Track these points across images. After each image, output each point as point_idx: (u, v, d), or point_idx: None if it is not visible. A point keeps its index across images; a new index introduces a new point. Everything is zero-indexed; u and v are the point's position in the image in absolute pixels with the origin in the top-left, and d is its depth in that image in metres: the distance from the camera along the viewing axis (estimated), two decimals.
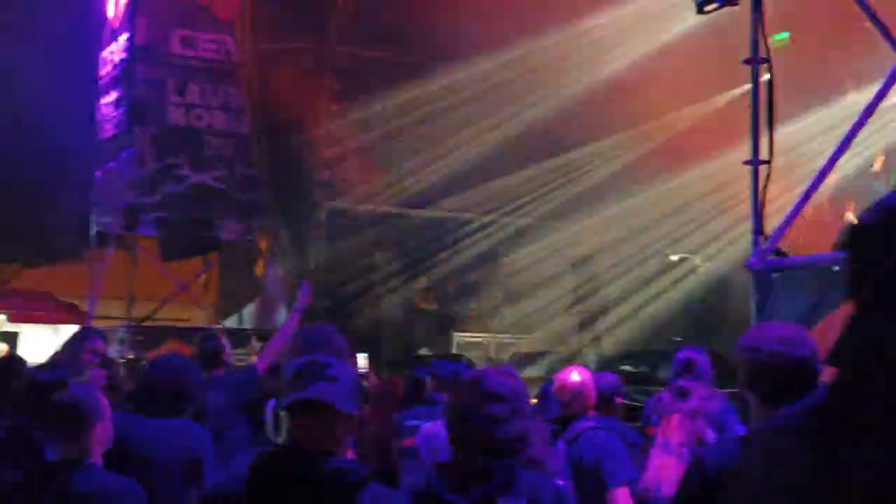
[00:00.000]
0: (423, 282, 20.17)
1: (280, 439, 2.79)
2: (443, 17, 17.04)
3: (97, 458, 3.93)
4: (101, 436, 3.95)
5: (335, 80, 19.78)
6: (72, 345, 6.32)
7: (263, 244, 20.74)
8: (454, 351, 17.20)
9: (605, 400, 5.95)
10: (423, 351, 18.37)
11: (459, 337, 18.75)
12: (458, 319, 19.94)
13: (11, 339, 19.50)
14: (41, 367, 5.95)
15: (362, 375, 9.49)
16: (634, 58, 17.73)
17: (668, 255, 19.09)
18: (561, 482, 3.37)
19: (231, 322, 20.82)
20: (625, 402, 6.78)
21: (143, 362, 11.86)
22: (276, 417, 2.80)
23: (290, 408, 2.75)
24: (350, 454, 3.06)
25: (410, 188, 19.69)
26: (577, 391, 5.48)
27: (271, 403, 3.89)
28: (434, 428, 5.51)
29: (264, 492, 2.69)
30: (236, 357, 9.69)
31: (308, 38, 19.16)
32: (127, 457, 4.26)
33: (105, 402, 4.07)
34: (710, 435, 5.26)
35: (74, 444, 3.88)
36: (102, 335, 6.91)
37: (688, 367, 6.05)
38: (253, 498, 2.68)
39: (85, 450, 3.89)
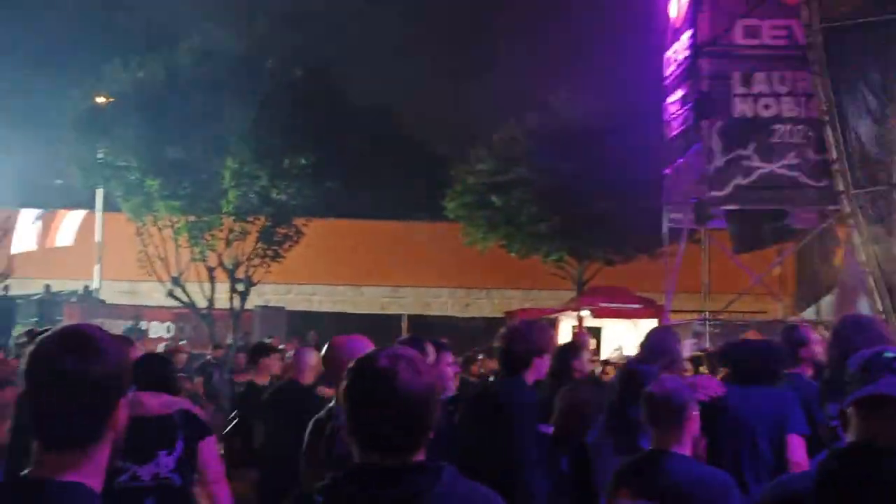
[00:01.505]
0: None
1: (849, 437, 2.63)
2: None
3: (688, 450, 4.05)
4: (694, 427, 4.07)
5: None
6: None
7: (841, 232, 19.77)
8: None
9: None
10: None
11: None
12: None
13: (595, 333, 20.76)
14: (638, 358, 6.20)
15: None
16: None
17: None
18: None
19: (808, 314, 20.15)
20: None
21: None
22: (844, 414, 2.64)
23: (859, 403, 2.59)
24: None
25: None
26: None
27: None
28: None
29: (835, 491, 2.55)
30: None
31: (881, 10, 17.92)
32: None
33: (692, 396, 4.19)
34: None
35: (669, 435, 4.03)
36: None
37: None
38: (823, 497, 2.56)
39: (678, 440, 4.02)
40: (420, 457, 2.38)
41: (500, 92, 26.43)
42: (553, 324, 21.31)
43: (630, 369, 6.09)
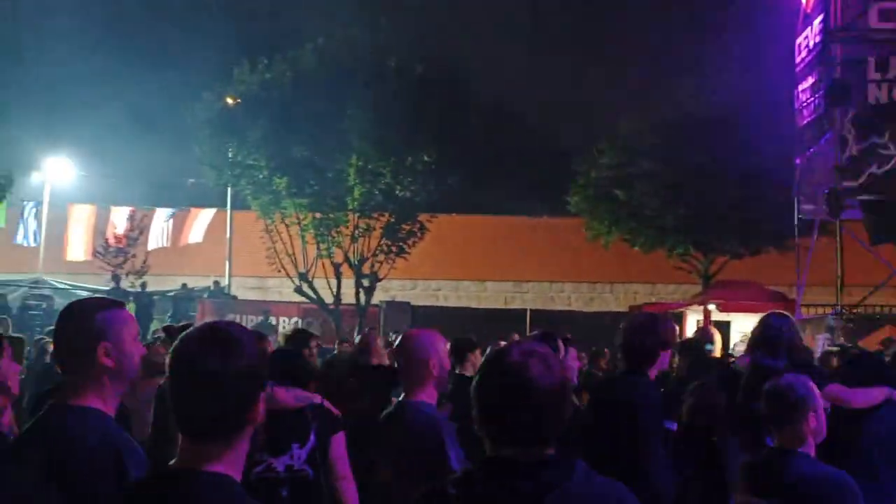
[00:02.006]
0: None
1: None
2: None
3: (811, 448, 3.96)
4: (816, 425, 3.97)
5: None
6: None
7: None
8: None
9: None
10: None
11: None
12: None
13: (723, 328, 20.33)
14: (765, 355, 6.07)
15: None
16: None
17: None
18: None
19: None
20: None
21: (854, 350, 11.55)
22: None
23: None
24: None
25: None
26: None
27: None
28: None
29: None
30: None
31: None
32: None
33: (817, 392, 4.09)
34: None
35: (788, 432, 3.95)
36: None
37: None
38: None
39: (799, 438, 3.94)
40: (551, 451, 2.40)
41: (624, 84, 26.12)
42: (679, 318, 20.98)
43: (756, 365, 5.98)
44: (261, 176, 24.44)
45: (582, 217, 27.03)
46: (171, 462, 2.29)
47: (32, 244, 29.70)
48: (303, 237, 24.93)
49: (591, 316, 26.32)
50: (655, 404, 5.13)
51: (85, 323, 3.01)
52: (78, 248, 29.83)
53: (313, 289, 24.94)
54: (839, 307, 19.05)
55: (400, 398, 4.56)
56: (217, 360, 2.25)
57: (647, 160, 24.71)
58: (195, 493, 2.21)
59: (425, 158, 24.14)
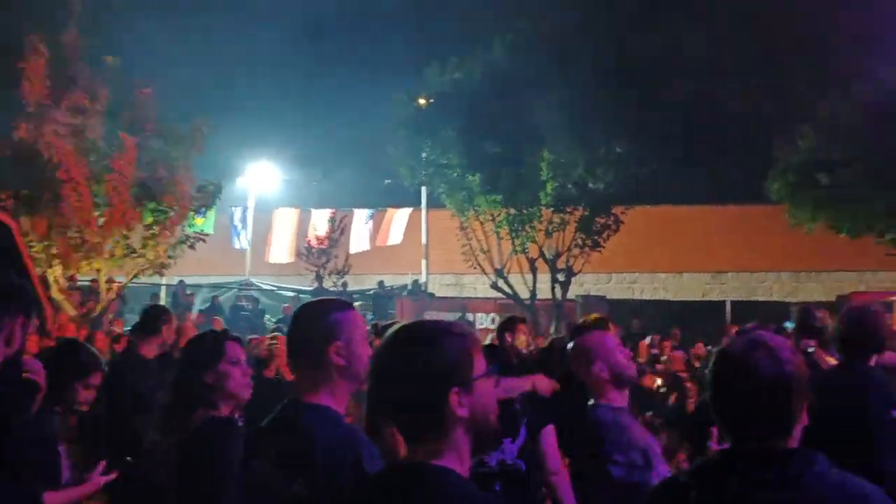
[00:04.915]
0: None
1: None
2: None
3: None
4: None
5: None
6: None
7: None
8: None
9: None
10: None
11: None
12: None
13: None
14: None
15: None
16: None
17: None
18: None
19: None
20: None
21: None
22: None
23: None
24: None
25: None
26: None
27: None
28: None
29: None
30: None
31: None
32: None
33: None
34: None
35: None
36: None
37: None
38: None
39: None
40: (792, 443, 2.38)
41: (824, 65, 25.00)
42: (890, 307, 19.96)
43: None
44: (454, 174, 24.79)
45: (783, 203, 26.08)
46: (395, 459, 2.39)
47: (245, 247, 31.11)
48: (497, 233, 25.15)
49: (796, 306, 25.34)
50: (887, 392, 4.96)
51: (318, 323, 3.17)
52: (281, 250, 31.00)
53: (509, 284, 25.11)
54: None
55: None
56: (408, 359, 2.34)
57: (850, 143, 23.60)
58: (430, 484, 2.29)
59: (618, 150, 23.90)
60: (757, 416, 2.39)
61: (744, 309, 24.68)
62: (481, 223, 25.21)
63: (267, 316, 24.54)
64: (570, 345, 4.62)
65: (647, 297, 30.62)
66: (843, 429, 4.68)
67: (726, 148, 29.62)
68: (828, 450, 3.51)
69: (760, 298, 29.81)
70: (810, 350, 6.10)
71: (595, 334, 4.58)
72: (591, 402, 4.29)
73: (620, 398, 4.31)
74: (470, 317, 25.53)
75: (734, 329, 13.25)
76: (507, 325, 8.29)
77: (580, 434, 4.33)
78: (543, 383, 5.74)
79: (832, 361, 5.69)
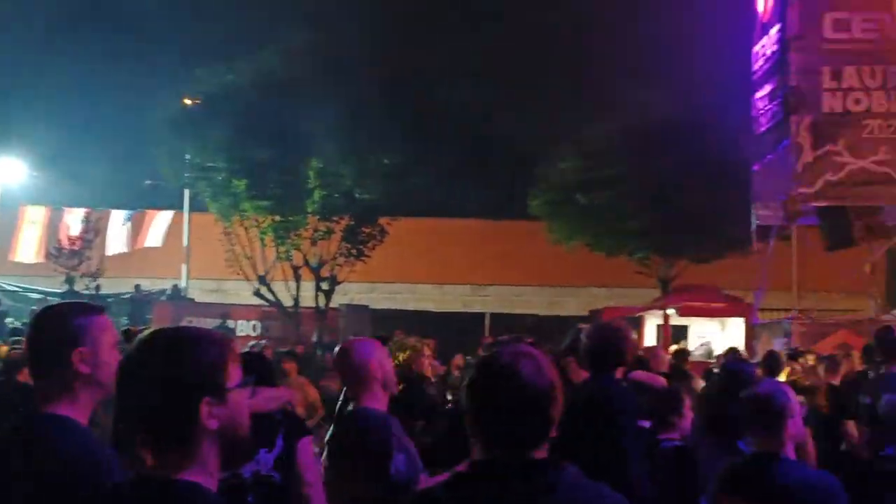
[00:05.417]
0: None
1: None
2: None
3: (791, 453, 4.00)
4: (795, 430, 4.02)
5: None
6: None
7: None
8: None
9: None
10: None
11: None
12: None
13: (681, 332, 20.54)
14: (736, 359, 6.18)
15: None
16: None
17: None
18: None
19: None
20: None
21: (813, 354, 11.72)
22: None
23: None
24: None
25: None
26: None
27: None
28: None
29: None
30: None
31: None
32: None
33: (795, 397, 4.16)
34: None
35: (771, 438, 3.99)
36: None
37: None
38: None
39: (781, 443, 3.98)
40: (543, 454, 2.42)
41: (587, 90, 26.25)
42: (638, 322, 21.14)
43: (730, 369, 6.06)
44: (220, 178, 24.28)
45: (544, 221, 27.15)
46: (138, 471, 2.26)
47: None
48: (262, 240, 24.81)
49: (551, 320, 26.41)
50: (631, 404, 5.19)
51: (60, 327, 2.95)
52: (29, 249, 29.41)
53: (272, 292, 24.83)
54: (795, 312, 19.32)
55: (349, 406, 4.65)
56: (156, 367, 2.22)
57: (609, 165, 24.89)
58: (174, 499, 2.18)
59: (386, 161, 24.12)
60: (517, 426, 2.41)
61: (503, 321, 25.44)
62: (246, 229, 24.80)
63: (9, 319, 23.07)
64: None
65: (410, 307, 31.03)
66: (592, 439, 4.87)
67: (493, 164, 30.51)
68: (578, 459, 3.64)
69: (519, 311, 30.84)
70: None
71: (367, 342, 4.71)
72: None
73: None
74: (231, 324, 25.05)
75: (488, 340, 13.60)
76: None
77: None
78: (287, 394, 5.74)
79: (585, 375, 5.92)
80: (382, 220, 25.33)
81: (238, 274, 24.99)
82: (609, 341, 5.41)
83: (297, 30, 24.93)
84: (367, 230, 25.23)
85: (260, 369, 5.73)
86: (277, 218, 24.38)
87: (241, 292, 27.27)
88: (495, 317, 27.36)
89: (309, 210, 24.31)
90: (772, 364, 8.72)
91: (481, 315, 27.90)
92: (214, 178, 24.41)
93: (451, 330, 23.34)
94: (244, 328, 25.43)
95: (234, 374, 2.31)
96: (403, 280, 32.34)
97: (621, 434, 5.02)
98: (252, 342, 19.51)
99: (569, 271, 30.56)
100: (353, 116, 22.48)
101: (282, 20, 25.86)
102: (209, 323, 24.25)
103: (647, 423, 5.79)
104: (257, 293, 24.85)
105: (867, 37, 18.82)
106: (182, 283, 30.13)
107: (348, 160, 23.62)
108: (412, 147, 23.82)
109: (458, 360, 15.67)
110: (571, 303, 31.16)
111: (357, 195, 24.42)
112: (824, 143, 18.77)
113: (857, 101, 18.84)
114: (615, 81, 24.88)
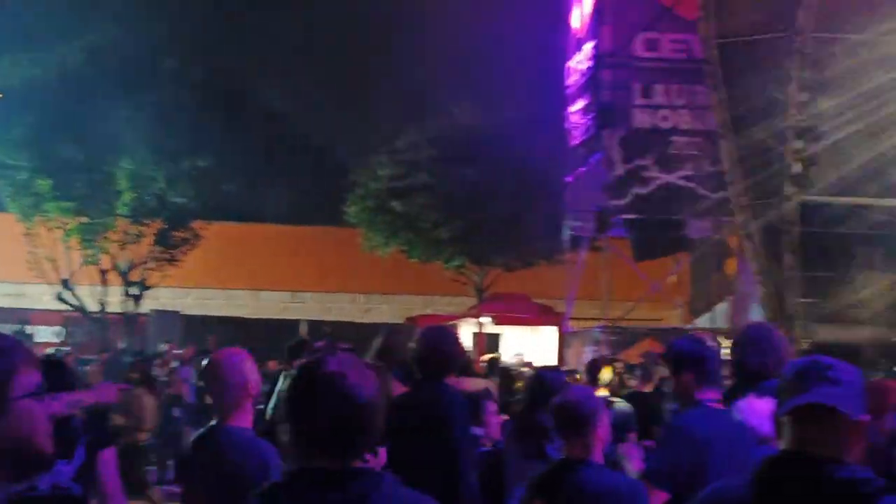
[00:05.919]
0: None
1: (782, 444, 2.64)
2: None
3: (599, 457, 4.04)
4: (603, 435, 4.06)
5: (803, 69, 18.84)
6: None
7: (734, 242, 20.29)
8: None
9: None
10: None
11: None
12: None
13: (495, 340, 20.84)
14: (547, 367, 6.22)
15: None
16: None
17: None
18: None
19: (703, 322, 20.60)
20: None
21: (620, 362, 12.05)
22: (778, 422, 2.64)
23: (792, 412, 2.59)
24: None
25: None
26: None
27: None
28: None
29: (769, 497, 2.56)
30: None
31: (773, 27, 18.46)
32: None
33: (602, 403, 4.20)
34: None
35: (579, 444, 4.02)
36: None
37: None
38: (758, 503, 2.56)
39: (588, 448, 4.01)
40: (359, 462, 2.34)
41: (402, 98, 26.41)
42: (454, 329, 21.31)
43: (539, 376, 6.10)
44: (21, 177, 23.07)
45: (359, 228, 27.06)
46: None
47: None
48: (66, 242, 23.71)
49: (366, 327, 26.31)
50: (463, 411, 5.13)
51: None
52: None
53: (76, 296, 23.77)
54: (605, 321, 19.91)
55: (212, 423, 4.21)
56: None
57: (423, 173, 25.05)
58: None
59: (201, 164, 23.51)
60: (340, 436, 2.32)
61: (319, 328, 25.18)
62: (49, 230, 23.62)
63: None
64: None
65: (223, 313, 30.30)
66: (423, 446, 4.79)
67: (309, 170, 30.25)
68: (409, 466, 3.55)
69: (335, 318, 30.61)
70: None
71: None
72: None
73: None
74: (30, 329, 23.82)
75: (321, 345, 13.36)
76: None
77: None
78: (109, 392, 5.39)
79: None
80: (196, 224, 24.67)
81: (40, 277, 23.79)
82: (439, 346, 5.31)
83: (105, 26, 23.96)
84: (180, 234, 24.52)
85: (59, 375, 5.41)
86: (84, 220, 23.36)
87: (44, 297, 25.96)
88: (312, 324, 27.04)
89: (118, 212, 23.41)
90: (592, 372, 8.87)
91: (296, 322, 27.52)
92: (15, 176, 23.15)
93: (267, 337, 22.91)
94: (45, 334, 24.26)
95: (27, 380, 2.20)
96: (218, 286, 31.61)
97: (456, 442, 4.94)
98: (51, 349, 18.74)
99: (384, 279, 30.59)
100: (165, 117, 21.81)
101: (89, 15, 24.73)
102: (5, 328, 22.97)
103: (480, 431, 5.76)
104: (60, 298, 23.72)
105: (675, 56, 19.67)
106: None
107: (161, 162, 22.90)
108: (227, 151, 23.31)
109: (272, 366, 15.34)
110: (387, 310, 31.19)
111: (170, 198, 23.70)
112: (634, 157, 19.50)
113: (665, 118, 19.66)
114: (430, 90, 25.15)
